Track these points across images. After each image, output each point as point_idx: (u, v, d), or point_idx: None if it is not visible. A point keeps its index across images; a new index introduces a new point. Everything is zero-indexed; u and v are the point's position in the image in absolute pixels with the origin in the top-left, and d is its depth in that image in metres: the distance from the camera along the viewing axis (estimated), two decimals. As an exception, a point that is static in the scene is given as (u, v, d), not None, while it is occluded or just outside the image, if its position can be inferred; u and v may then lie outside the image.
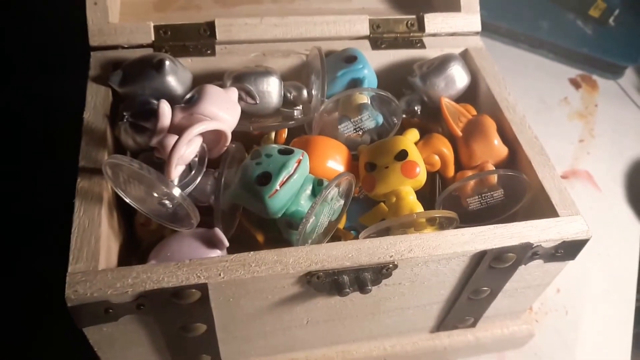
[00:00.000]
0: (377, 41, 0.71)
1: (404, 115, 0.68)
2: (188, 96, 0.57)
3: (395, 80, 0.71)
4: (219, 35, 0.67)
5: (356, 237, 0.59)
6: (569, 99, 1.10)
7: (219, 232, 0.53)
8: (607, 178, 0.97)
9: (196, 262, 0.48)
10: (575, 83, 1.14)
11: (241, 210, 0.60)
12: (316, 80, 0.65)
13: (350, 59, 0.67)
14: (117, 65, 0.62)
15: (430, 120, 0.69)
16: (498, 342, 0.70)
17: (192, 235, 0.54)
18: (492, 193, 0.61)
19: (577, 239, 0.54)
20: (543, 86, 1.11)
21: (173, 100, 0.56)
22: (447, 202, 0.60)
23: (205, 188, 0.57)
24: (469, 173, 0.62)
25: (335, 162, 0.60)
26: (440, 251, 0.51)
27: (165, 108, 0.53)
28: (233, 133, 0.57)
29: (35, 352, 0.67)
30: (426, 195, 0.64)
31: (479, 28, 0.73)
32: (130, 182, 0.53)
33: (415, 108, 0.68)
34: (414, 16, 0.73)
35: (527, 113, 0.65)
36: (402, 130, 0.64)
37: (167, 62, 0.59)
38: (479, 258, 0.53)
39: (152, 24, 0.65)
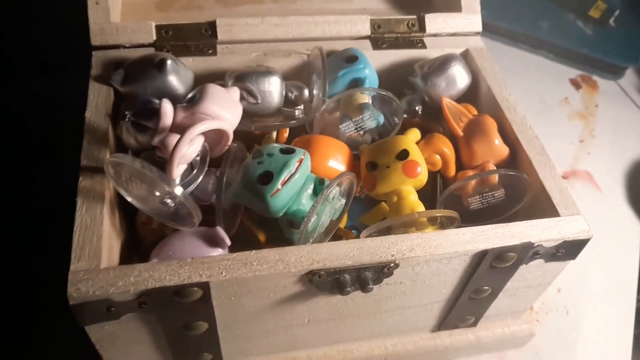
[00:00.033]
0: (378, 41, 0.71)
1: (405, 115, 0.68)
2: (190, 95, 0.57)
3: (396, 80, 0.71)
4: (221, 35, 0.67)
5: (357, 237, 0.59)
6: (569, 99, 1.10)
7: (220, 230, 0.53)
8: (607, 178, 0.97)
9: (198, 260, 0.48)
10: (575, 83, 1.14)
11: (243, 210, 0.60)
12: (317, 80, 0.65)
13: (351, 58, 0.67)
14: (119, 65, 0.62)
15: (431, 120, 0.69)
16: (499, 341, 0.70)
17: (193, 234, 0.54)
18: (493, 193, 0.61)
19: (578, 239, 0.54)
20: (543, 86, 1.11)
21: (175, 100, 0.56)
22: (448, 201, 0.60)
23: (207, 187, 0.57)
24: (470, 173, 0.62)
25: (337, 162, 0.60)
26: (442, 250, 0.51)
27: (167, 107, 0.53)
28: (234, 132, 0.57)
29: (35, 352, 0.67)
30: (427, 195, 0.64)
31: (479, 28, 0.74)
32: (132, 181, 0.53)
33: (417, 108, 0.68)
34: (414, 16, 0.73)
35: (527, 113, 0.65)
36: (403, 130, 0.64)
37: (169, 62, 0.59)
38: (480, 257, 0.53)
39: (153, 24, 0.65)
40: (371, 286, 0.51)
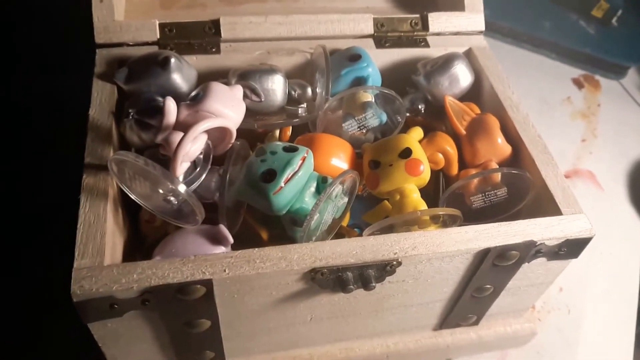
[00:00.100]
0: (381, 40, 0.71)
1: (407, 114, 0.68)
2: (193, 93, 0.57)
3: (399, 79, 0.71)
4: (224, 33, 0.67)
5: (360, 235, 0.60)
6: (571, 98, 1.10)
7: (223, 228, 0.53)
8: (609, 178, 0.97)
9: (201, 258, 0.48)
10: (578, 83, 1.14)
11: (245, 207, 0.60)
12: (320, 79, 0.65)
13: (354, 57, 0.67)
14: (123, 63, 0.62)
15: (434, 119, 0.69)
16: (500, 340, 0.70)
17: (196, 231, 0.54)
18: (495, 191, 0.61)
19: (580, 237, 0.54)
20: (546, 86, 1.11)
21: (178, 98, 0.56)
22: (450, 200, 0.60)
23: (210, 185, 0.57)
24: (473, 171, 0.62)
25: (340, 160, 0.60)
26: (444, 249, 0.51)
27: (170, 105, 0.54)
28: (238, 130, 0.57)
29: (35, 352, 0.67)
30: (430, 193, 0.65)
31: (482, 27, 0.74)
32: (135, 178, 0.53)
33: (419, 106, 0.69)
34: (418, 15, 0.73)
35: (529, 113, 0.65)
36: (405, 129, 0.64)
37: (173, 60, 0.59)
38: (483, 256, 0.53)
39: (157, 22, 0.65)
40: (374, 284, 0.51)
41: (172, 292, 0.47)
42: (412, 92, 0.70)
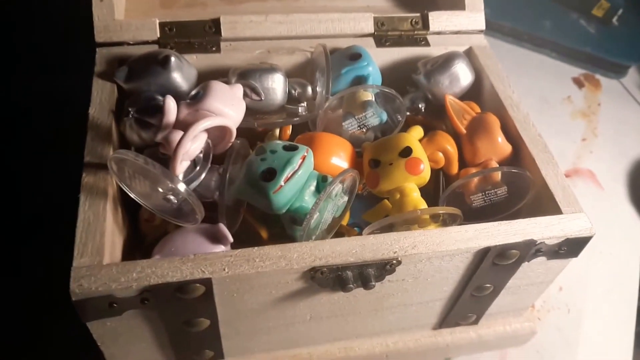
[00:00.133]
0: (381, 39, 0.71)
1: (408, 113, 0.68)
2: (193, 92, 0.57)
3: (399, 78, 0.71)
4: (224, 32, 0.67)
5: (360, 234, 0.60)
6: (572, 98, 1.10)
7: (223, 227, 0.53)
8: (609, 177, 0.97)
9: (200, 257, 0.48)
10: (578, 82, 1.14)
11: (245, 206, 0.60)
12: (321, 78, 0.65)
13: (354, 56, 0.67)
14: (123, 62, 0.62)
15: (434, 118, 0.69)
16: (500, 339, 0.70)
17: (196, 230, 0.54)
18: (495, 190, 0.61)
19: (580, 236, 0.54)
20: (546, 85, 1.11)
21: (178, 97, 0.56)
22: (450, 199, 0.60)
23: (210, 184, 0.57)
24: (473, 170, 0.62)
25: (340, 159, 0.60)
26: (444, 247, 0.51)
27: (170, 104, 0.54)
28: (238, 129, 0.57)
29: (35, 351, 0.67)
30: (430, 192, 0.64)
31: (483, 26, 0.74)
32: (135, 177, 0.53)
33: (420, 105, 0.68)
34: (418, 14, 0.73)
35: (530, 112, 0.65)
36: (406, 128, 0.64)
37: (173, 59, 0.59)
38: (483, 255, 0.53)
39: (157, 21, 0.65)
40: (373, 283, 0.51)
41: (171, 291, 0.47)
42: (413, 91, 0.70)
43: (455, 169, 0.64)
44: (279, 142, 0.57)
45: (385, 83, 0.68)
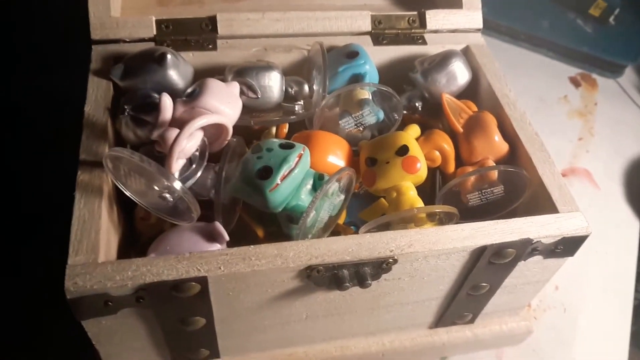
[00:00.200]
0: (378, 37, 0.71)
1: (404, 111, 0.68)
2: (189, 90, 0.57)
3: (396, 76, 0.71)
4: (221, 30, 0.67)
5: (356, 233, 0.59)
6: (568, 97, 1.10)
7: (219, 225, 0.53)
8: (606, 176, 0.98)
9: (196, 255, 0.48)
10: (575, 81, 1.14)
11: (241, 205, 0.60)
12: (317, 76, 0.65)
13: (351, 54, 0.67)
14: (119, 59, 0.62)
15: (431, 116, 0.69)
16: (496, 338, 0.70)
17: (192, 229, 0.54)
18: (492, 189, 0.61)
19: (576, 235, 0.54)
20: (543, 84, 1.11)
21: (174, 94, 0.56)
22: (447, 197, 0.60)
23: (206, 182, 0.57)
24: (470, 169, 0.62)
25: (336, 157, 0.60)
26: (440, 246, 0.51)
27: (166, 101, 0.53)
28: (234, 127, 0.57)
29: (35, 351, 0.67)
30: (426, 191, 0.64)
31: (480, 25, 0.74)
32: (130, 175, 0.53)
33: (416, 104, 0.68)
34: (415, 12, 0.73)
35: (526, 111, 0.65)
36: (402, 126, 0.64)
37: (169, 56, 0.59)
38: (479, 253, 0.53)
39: (154, 18, 0.65)
40: (369, 282, 0.51)
41: (166, 290, 0.47)
42: (410, 90, 0.70)
43: (451, 167, 0.64)
44: (275, 140, 0.57)
45: (382, 81, 0.67)
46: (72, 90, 0.66)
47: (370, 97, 0.65)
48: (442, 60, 0.67)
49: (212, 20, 0.66)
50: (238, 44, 0.67)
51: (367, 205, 0.61)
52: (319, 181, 0.56)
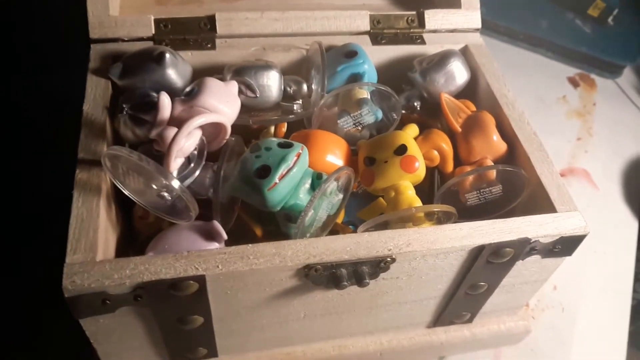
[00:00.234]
0: (377, 37, 0.71)
1: (403, 111, 0.68)
2: (188, 89, 0.57)
3: (395, 76, 0.71)
4: (220, 29, 0.67)
5: (355, 232, 0.59)
6: (567, 97, 1.10)
7: (217, 224, 0.53)
8: (604, 176, 0.98)
9: (194, 254, 0.48)
10: (573, 82, 1.14)
11: (240, 204, 0.60)
12: (316, 75, 0.65)
13: (350, 54, 0.67)
14: (117, 58, 0.62)
15: (429, 116, 0.69)
16: (494, 338, 0.70)
17: (190, 227, 0.54)
18: (490, 188, 0.61)
19: (574, 235, 0.54)
20: (542, 85, 1.11)
21: (173, 94, 0.56)
22: (445, 197, 0.60)
23: (204, 181, 0.57)
24: (468, 168, 0.62)
25: (335, 157, 0.60)
26: (438, 245, 0.51)
27: (165, 100, 0.53)
28: (233, 126, 0.57)
29: (35, 351, 0.67)
30: (425, 191, 0.64)
31: (479, 25, 0.74)
32: (129, 174, 0.53)
33: (415, 104, 0.68)
34: (414, 12, 0.73)
35: (525, 111, 0.65)
36: (401, 126, 0.64)
37: (168, 55, 0.59)
38: (477, 253, 0.53)
39: (152, 17, 0.65)
40: (367, 281, 0.51)
41: (164, 288, 0.47)
42: (408, 89, 0.70)
43: (450, 167, 0.64)
44: (273, 139, 0.57)
45: (380, 81, 0.67)
46: (71, 90, 0.66)
47: (369, 97, 0.65)
48: (441, 60, 0.67)
49: (211, 20, 0.66)
50: (237, 43, 0.67)
51: (365, 205, 0.61)
52: (317, 180, 0.56)
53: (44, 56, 0.96)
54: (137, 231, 0.60)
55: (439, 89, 0.67)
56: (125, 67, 0.60)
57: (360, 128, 0.65)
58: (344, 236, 0.51)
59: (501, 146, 0.62)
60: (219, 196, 0.54)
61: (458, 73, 0.67)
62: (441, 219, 0.57)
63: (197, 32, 0.67)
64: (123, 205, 0.59)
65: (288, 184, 0.54)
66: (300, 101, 0.65)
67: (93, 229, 0.48)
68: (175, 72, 0.60)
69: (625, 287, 0.83)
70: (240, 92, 0.60)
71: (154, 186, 0.53)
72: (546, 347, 0.75)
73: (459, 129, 0.64)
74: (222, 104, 0.55)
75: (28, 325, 0.68)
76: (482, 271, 0.56)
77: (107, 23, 0.64)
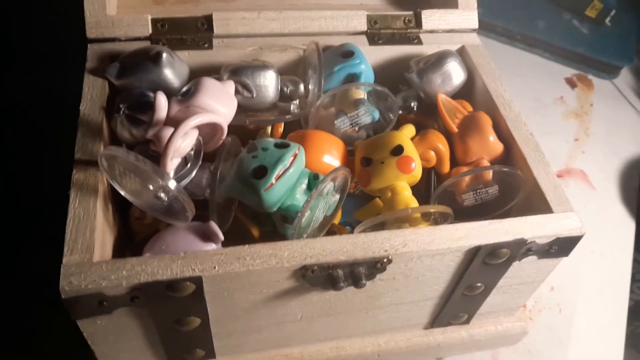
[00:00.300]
0: (374, 37, 0.71)
1: (400, 111, 0.68)
2: (184, 89, 0.57)
3: (391, 76, 0.71)
4: (217, 29, 0.67)
5: (351, 233, 0.59)
6: (564, 98, 1.10)
7: (214, 225, 0.53)
8: (601, 177, 0.98)
9: (191, 254, 0.47)
10: (571, 82, 1.14)
11: (236, 204, 0.60)
12: (313, 75, 0.65)
13: (347, 54, 0.67)
14: (114, 58, 0.62)
15: (426, 116, 0.69)
16: (492, 339, 0.70)
17: (187, 228, 0.54)
18: (487, 189, 0.61)
19: (571, 236, 0.54)
20: (539, 85, 1.11)
21: (170, 93, 0.56)
22: (442, 197, 0.60)
23: (201, 181, 0.57)
24: (465, 169, 0.62)
25: (331, 157, 0.60)
26: (435, 246, 0.51)
27: (161, 100, 0.53)
28: (229, 127, 0.57)
29: (33, 351, 0.67)
30: (421, 191, 0.64)
31: (476, 25, 0.74)
32: (125, 174, 0.53)
33: (412, 104, 0.68)
34: (411, 12, 0.73)
35: (522, 112, 0.65)
36: (398, 126, 0.64)
37: (165, 55, 0.59)
38: (473, 253, 0.53)
39: (149, 17, 0.65)
40: (364, 282, 0.51)
41: (161, 289, 0.47)
42: (405, 90, 0.70)
43: (446, 167, 0.64)
44: (270, 139, 0.57)
45: (377, 81, 0.68)
46: (68, 87, 0.66)
47: (366, 97, 0.65)
48: (438, 60, 0.67)
49: (208, 19, 0.66)
50: (234, 43, 0.67)
51: (362, 205, 0.61)
52: (314, 181, 0.56)
53: (43, 52, 0.96)
54: (134, 232, 0.59)
55: (435, 89, 0.67)
56: (122, 67, 0.60)
57: (357, 128, 0.65)
58: (341, 237, 0.51)
59: (498, 147, 0.62)
60: (216, 197, 0.54)
61: (455, 73, 0.67)
62: (438, 220, 0.57)
63: (194, 31, 0.67)
64: (120, 206, 0.59)
65: (285, 184, 0.53)
66: (297, 101, 0.65)
67: (90, 230, 0.48)
68: (172, 72, 0.60)
69: (622, 287, 0.83)
70: (237, 92, 0.60)
71: (151, 187, 0.53)
72: (544, 348, 0.75)
73: (456, 130, 0.64)
74: (219, 104, 0.55)
75: (25, 326, 0.68)
76: (479, 272, 0.56)
77: (104, 23, 0.64)
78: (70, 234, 0.48)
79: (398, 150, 0.58)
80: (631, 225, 0.92)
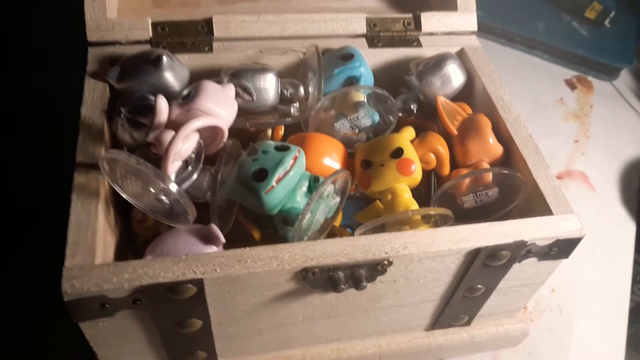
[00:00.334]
0: (373, 39, 0.71)
1: (400, 114, 0.68)
2: (185, 92, 0.57)
3: (391, 79, 0.71)
4: (217, 32, 0.67)
5: (352, 235, 0.60)
6: (564, 99, 1.10)
7: (215, 228, 0.53)
8: (601, 178, 0.98)
9: (192, 257, 0.48)
10: (570, 84, 1.14)
11: (237, 207, 0.60)
12: (313, 78, 0.65)
13: (347, 56, 0.67)
14: (115, 61, 0.62)
15: (426, 119, 0.69)
16: (492, 340, 0.70)
17: (188, 231, 0.54)
18: (487, 191, 0.61)
19: (571, 237, 0.55)
20: (539, 87, 1.11)
21: (170, 97, 0.56)
22: (442, 200, 0.60)
23: (202, 184, 0.57)
24: (464, 171, 0.62)
25: (332, 160, 0.60)
26: (435, 248, 0.51)
27: (162, 103, 0.53)
28: (230, 130, 0.57)
29: (33, 352, 0.67)
30: (421, 193, 0.65)
31: (475, 27, 0.74)
32: (127, 177, 0.53)
33: (412, 106, 0.69)
34: (410, 15, 0.73)
35: (522, 114, 0.65)
36: (398, 129, 0.64)
37: (165, 58, 0.59)
38: (474, 255, 0.53)
39: (150, 20, 0.65)
40: (365, 284, 0.51)
41: (163, 292, 0.47)
42: (405, 92, 0.70)
43: (446, 170, 0.64)
44: (270, 142, 0.57)
45: (377, 84, 0.68)
46: (69, 89, 0.66)
47: (366, 100, 0.65)
48: (437, 62, 0.67)
49: (208, 23, 0.67)
50: (234, 46, 0.68)
51: (362, 208, 0.61)
52: (314, 183, 0.56)
53: (41, 54, 0.96)
54: (136, 235, 0.60)
55: (435, 91, 0.67)
56: (123, 70, 0.60)
57: (357, 131, 0.65)
58: (341, 239, 0.51)
59: (497, 149, 0.63)
60: (217, 199, 0.54)
61: (454, 76, 0.67)
62: (438, 222, 0.57)
63: (195, 35, 0.67)
64: (121, 209, 0.59)
65: (285, 187, 0.54)
66: (297, 104, 0.65)
67: (92, 233, 0.49)
68: (173, 75, 0.60)
69: (623, 289, 0.84)
70: (237, 95, 0.61)
71: (152, 190, 0.53)
72: (544, 350, 0.75)
73: (455, 132, 0.64)
74: (220, 107, 0.56)
75: (25, 326, 0.68)
76: (479, 274, 0.56)
77: (104, 26, 0.64)
78: (72, 237, 0.48)
79: (398, 152, 0.58)
80: (631, 226, 0.92)
